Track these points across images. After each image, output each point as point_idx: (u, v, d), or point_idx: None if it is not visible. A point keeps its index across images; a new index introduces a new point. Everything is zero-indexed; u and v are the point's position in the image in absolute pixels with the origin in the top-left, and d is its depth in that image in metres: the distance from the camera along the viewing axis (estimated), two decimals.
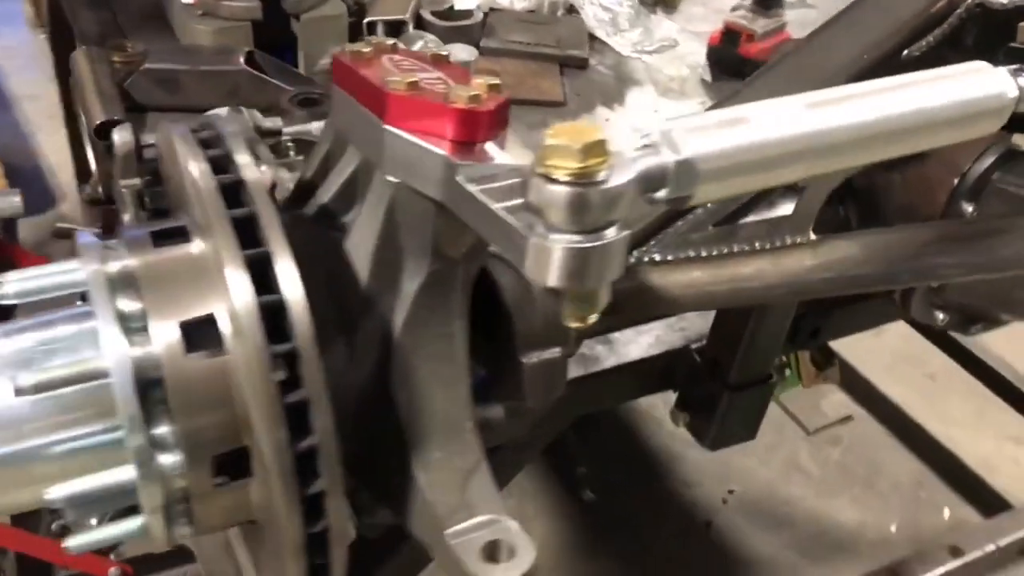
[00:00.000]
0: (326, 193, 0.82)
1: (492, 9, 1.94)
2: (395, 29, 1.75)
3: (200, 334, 0.71)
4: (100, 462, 0.72)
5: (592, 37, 1.95)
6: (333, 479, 0.69)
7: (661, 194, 0.62)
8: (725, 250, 0.95)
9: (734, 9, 1.87)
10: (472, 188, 0.66)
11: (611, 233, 0.59)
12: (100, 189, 1.53)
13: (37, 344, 0.72)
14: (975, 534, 2.27)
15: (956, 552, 2.18)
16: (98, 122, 1.46)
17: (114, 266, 0.73)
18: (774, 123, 0.64)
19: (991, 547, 2.22)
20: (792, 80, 1.02)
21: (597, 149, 0.58)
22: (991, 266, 0.93)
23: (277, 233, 0.69)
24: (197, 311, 0.71)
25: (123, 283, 0.72)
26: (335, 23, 1.71)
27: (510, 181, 0.66)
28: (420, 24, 1.81)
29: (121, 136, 0.89)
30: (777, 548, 2.49)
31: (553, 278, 0.59)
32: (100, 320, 0.70)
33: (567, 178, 0.58)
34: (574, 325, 0.63)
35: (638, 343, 1.24)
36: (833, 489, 2.65)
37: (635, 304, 0.93)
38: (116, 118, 1.48)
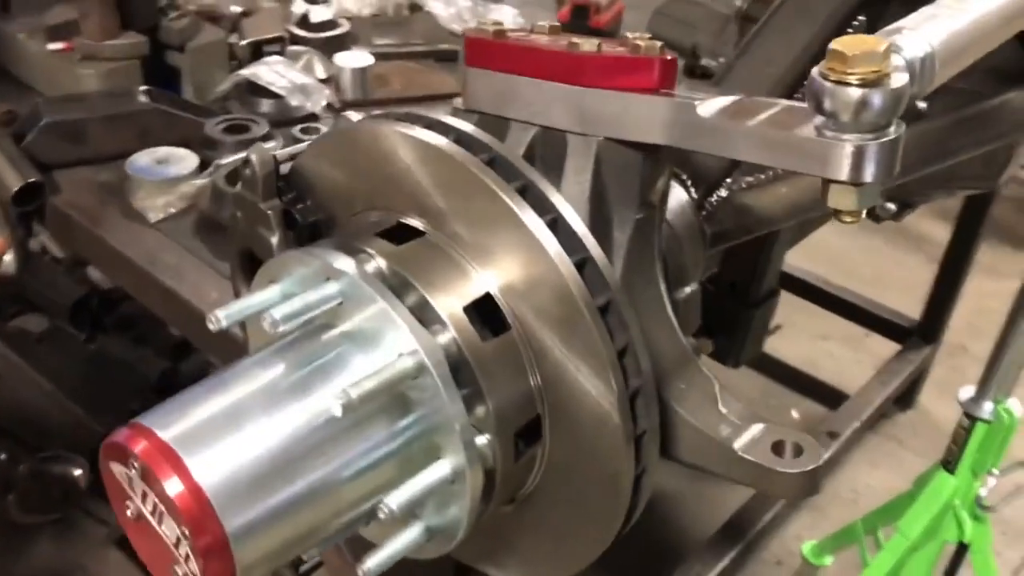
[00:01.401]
0: None
1: (345, 18, 1.94)
2: (275, 46, 1.71)
3: (483, 313, 0.72)
4: (414, 461, 0.71)
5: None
6: (652, 420, 0.73)
7: (913, 89, 0.71)
8: None
9: None
10: (726, 120, 0.72)
11: (897, 129, 0.67)
12: (13, 263, 1.39)
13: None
14: (840, 418, 2.59)
15: (833, 435, 2.49)
16: (16, 188, 1.33)
17: (371, 267, 0.72)
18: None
19: (856, 424, 2.55)
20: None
21: (882, 55, 0.66)
22: (988, 142, 1.11)
23: (559, 198, 0.71)
24: (473, 293, 0.72)
25: (392, 282, 0.71)
26: (218, 49, 1.65)
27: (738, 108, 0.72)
28: (294, 39, 1.77)
29: (260, 155, 0.84)
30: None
31: (868, 174, 0.66)
32: (398, 319, 0.68)
33: (860, 82, 0.66)
34: (849, 221, 0.71)
35: None
36: None
37: (741, 225, 1.02)
38: (34, 180, 1.35)
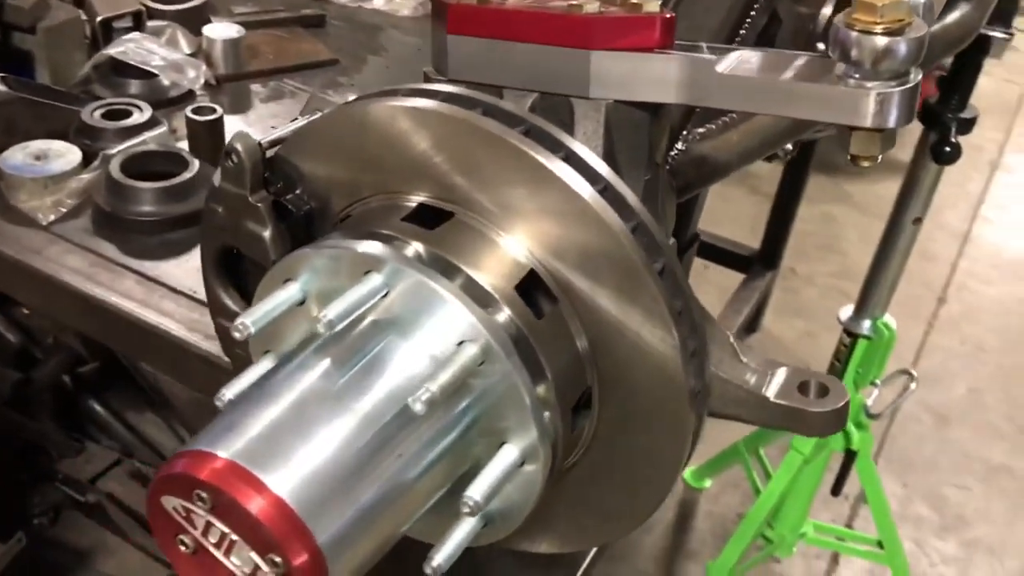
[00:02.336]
0: None
1: None
2: (136, 21, 1.58)
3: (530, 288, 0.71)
4: (476, 448, 0.69)
5: None
6: (706, 379, 0.74)
7: None
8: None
9: None
10: (749, 75, 0.73)
11: (916, 76, 0.71)
12: None
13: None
14: None
15: None
16: None
17: (410, 253, 0.69)
18: None
19: None
20: None
21: (907, 4, 0.69)
22: None
23: (603, 166, 0.71)
24: (518, 269, 0.70)
25: (435, 268, 0.68)
26: (75, 28, 1.50)
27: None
28: (151, 14, 1.64)
29: (245, 144, 0.77)
30: None
31: (892, 120, 0.70)
32: (457, 302, 0.66)
33: (886, 31, 0.68)
34: (867, 165, 0.75)
35: None
36: None
37: (700, 176, 1.04)
38: None
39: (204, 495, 0.61)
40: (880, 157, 0.74)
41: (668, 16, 0.77)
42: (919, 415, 2.90)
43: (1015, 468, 2.82)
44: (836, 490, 2.02)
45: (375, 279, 0.68)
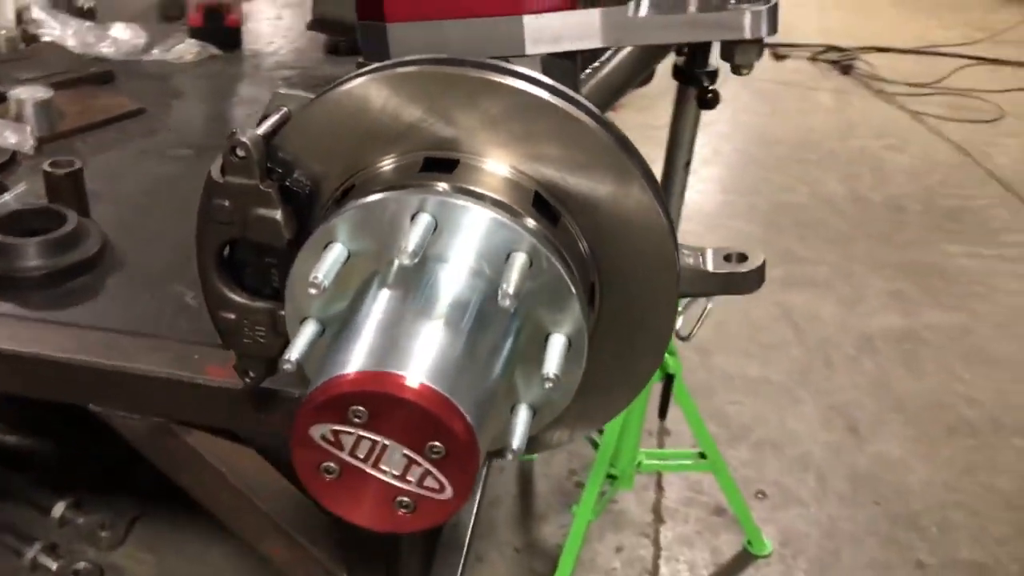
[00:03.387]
0: None
1: None
2: None
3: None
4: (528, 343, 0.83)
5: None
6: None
7: None
8: None
9: None
10: (658, 14, 0.94)
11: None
12: None
13: None
14: None
15: None
16: None
17: (444, 190, 0.82)
18: None
19: None
20: None
21: None
22: None
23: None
24: (527, 194, 0.86)
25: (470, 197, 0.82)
26: None
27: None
28: None
29: (251, 137, 0.83)
30: None
31: (764, 30, 0.93)
32: (500, 219, 0.79)
33: None
34: (746, 73, 0.98)
35: None
36: None
37: None
38: None
39: (360, 409, 0.71)
40: (754, 66, 0.98)
41: None
42: (685, 352, 3.30)
43: (770, 378, 3.29)
44: (663, 414, 2.30)
45: (424, 218, 0.80)
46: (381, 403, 0.71)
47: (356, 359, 0.73)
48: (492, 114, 0.84)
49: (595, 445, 2.41)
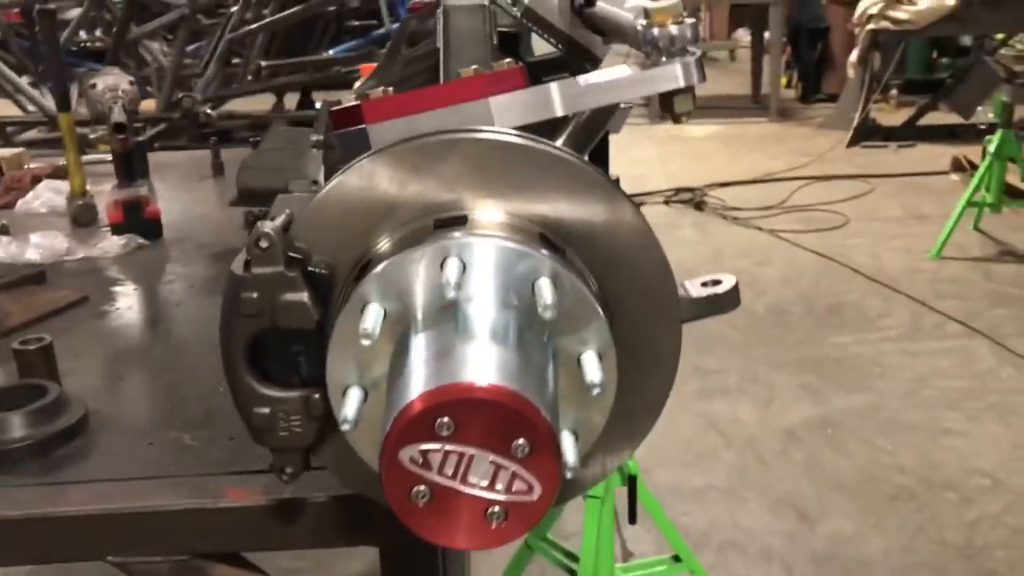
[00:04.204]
0: None
1: None
2: None
3: None
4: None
5: None
6: None
7: None
8: None
9: None
10: (598, 79, 1.07)
11: (697, 51, 1.10)
12: None
13: None
14: None
15: None
16: None
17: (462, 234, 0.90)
18: None
19: None
20: None
21: (678, 6, 1.08)
22: None
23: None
24: (532, 234, 0.94)
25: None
26: None
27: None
28: None
29: (272, 228, 0.89)
30: None
31: (695, 78, 1.07)
32: (521, 249, 0.87)
33: (674, 22, 1.07)
34: (686, 120, 1.12)
35: None
36: None
37: None
38: None
39: (447, 419, 0.75)
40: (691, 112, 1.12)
41: (522, 65, 1.09)
42: None
43: (713, 483, 3.36)
44: (633, 518, 2.33)
45: (453, 261, 0.87)
46: (467, 410, 0.75)
47: (418, 382, 0.78)
48: (488, 169, 0.94)
49: (571, 572, 2.39)
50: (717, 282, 1.13)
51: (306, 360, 0.98)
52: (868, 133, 8.28)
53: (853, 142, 8.14)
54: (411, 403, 0.76)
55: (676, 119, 1.12)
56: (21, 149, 2.88)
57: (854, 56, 8.12)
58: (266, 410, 0.98)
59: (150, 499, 1.12)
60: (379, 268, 0.90)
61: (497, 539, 0.78)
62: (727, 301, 1.12)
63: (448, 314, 0.87)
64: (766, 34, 9.95)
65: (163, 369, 1.48)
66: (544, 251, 0.90)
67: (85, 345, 1.54)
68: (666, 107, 1.12)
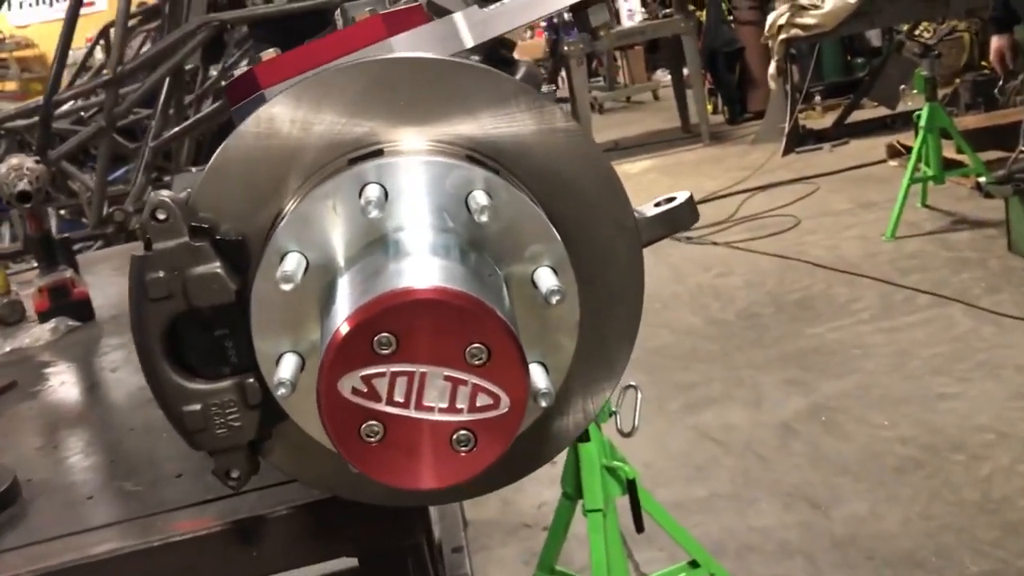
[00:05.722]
0: None
1: None
2: None
3: None
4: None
5: None
6: None
7: None
8: None
9: None
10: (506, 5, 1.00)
11: None
12: None
13: None
14: None
15: None
16: None
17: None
18: None
19: None
20: None
21: None
22: None
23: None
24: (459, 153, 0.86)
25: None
26: None
27: None
28: None
29: (170, 198, 0.78)
30: None
31: None
32: (448, 160, 0.79)
33: None
34: (603, 35, 1.05)
35: None
36: None
37: None
38: None
39: (386, 335, 0.65)
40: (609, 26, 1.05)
41: (420, 3, 1.02)
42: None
43: (717, 491, 3.24)
44: (639, 526, 2.19)
45: (372, 187, 0.78)
46: (406, 318, 0.65)
47: (348, 306, 0.68)
48: (396, 94, 0.85)
49: None
50: (671, 200, 1.04)
51: (233, 343, 0.87)
52: (801, 139, 8.37)
53: (788, 150, 8.23)
54: (344, 323, 0.66)
55: (594, 35, 1.04)
56: None
57: (772, 68, 8.27)
58: (196, 407, 0.87)
59: (95, 548, 0.99)
60: (290, 213, 0.80)
61: (469, 468, 0.68)
62: (684, 216, 1.03)
63: (377, 247, 0.77)
64: (684, 69, 10.11)
65: (102, 429, 1.36)
66: (474, 165, 0.82)
67: (13, 424, 1.41)
68: (582, 24, 1.05)
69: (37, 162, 1.91)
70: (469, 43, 0.99)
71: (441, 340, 0.66)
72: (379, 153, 0.84)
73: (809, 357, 4.12)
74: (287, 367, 0.77)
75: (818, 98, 9.51)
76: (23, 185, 1.70)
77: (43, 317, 1.93)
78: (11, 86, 12.47)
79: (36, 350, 1.82)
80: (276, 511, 1.00)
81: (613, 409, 2.11)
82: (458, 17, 0.99)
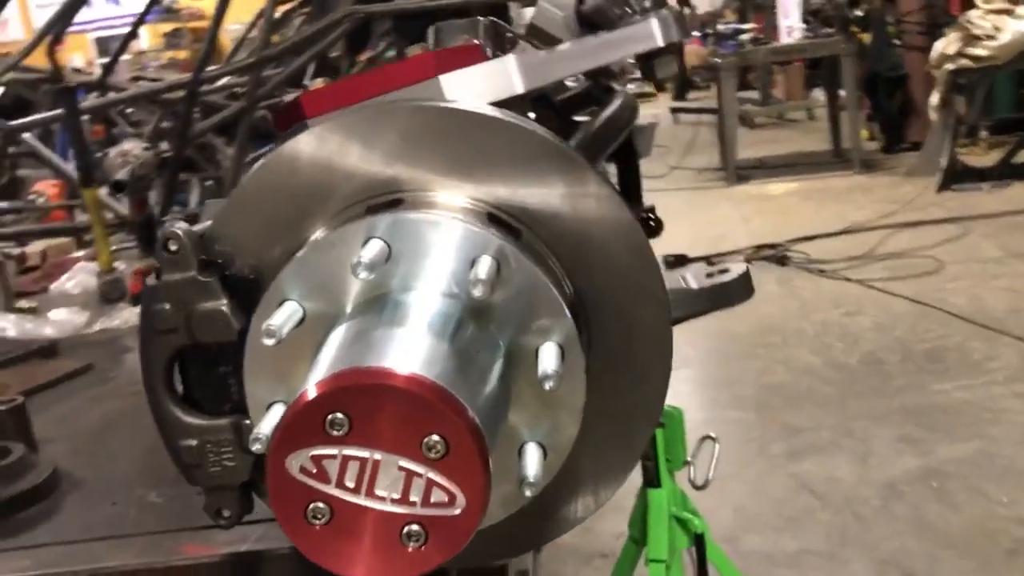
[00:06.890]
0: None
1: None
2: None
3: None
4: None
5: None
6: None
7: None
8: None
9: None
10: (570, 47, 0.94)
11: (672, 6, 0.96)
12: None
13: None
14: None
15: None
16: None
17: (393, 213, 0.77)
18: None
19: None
20: None
21: None
22: None
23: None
24: (479, 213, 0.81)
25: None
26: None
27: None
28: None
29: (183, 229, 0.78)
30: None
31: (674, 35, 0.93)
32: (458, 223, 0.75)
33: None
34: (669, 85, 0.98)
35: None
36: None
37: None
38: None
39: (339, 415, 0.61)
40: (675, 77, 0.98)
41: (479, 43, 0.97)
42: None
43: (809, 547, 3.07)
44: None
45: (374, 242, 0.74)
46: (362, 400, 0.61)
47: (316, 374, 0.64)
48: (426, 143, 0.81)
49: None
50: (725, 271, 0.96)
51: (236, 382, 0.85)
52: (958, 176, 7.89)
53: (943, 186, 7.77)
54: (299, 397, 0.62)
55: (659, 86, 1.00)
56: (68, 239, 2.89)
57: (934, 99, 7.83)
58: (193, 442, 0.85)
59: (96, 562, 1.00)
60: (294, 259, 0.77)
61: (415, 567, 0.62)
62: (737, 291, 0.95)
63: (373, 307, 0.73)
64: (841, 91, 9.69)
65: (151, 429, 1.38)
66: (490, 230, 0.76)
67: (76, 411, 1.45)
68: (647, 73, 0.98)
69: (146, 148, 1.97)
70: (520, 88, 0.93)
71: (397, 427, 0.61)
72: (398, 203, 0.81)
73: (930, 415, 3.86)
74: (269, 421, 0.74)
75: (984, 133, 8.95)
76: (122, 174, 1.75)
77: (135, 300, 2.00)
78: (182, 55, 13.14)
79: (123, 332, 1.88)
80: (281, 548, 0.98)
81: (688, 459, 2.02)
82: (511, 60, 0.93)
